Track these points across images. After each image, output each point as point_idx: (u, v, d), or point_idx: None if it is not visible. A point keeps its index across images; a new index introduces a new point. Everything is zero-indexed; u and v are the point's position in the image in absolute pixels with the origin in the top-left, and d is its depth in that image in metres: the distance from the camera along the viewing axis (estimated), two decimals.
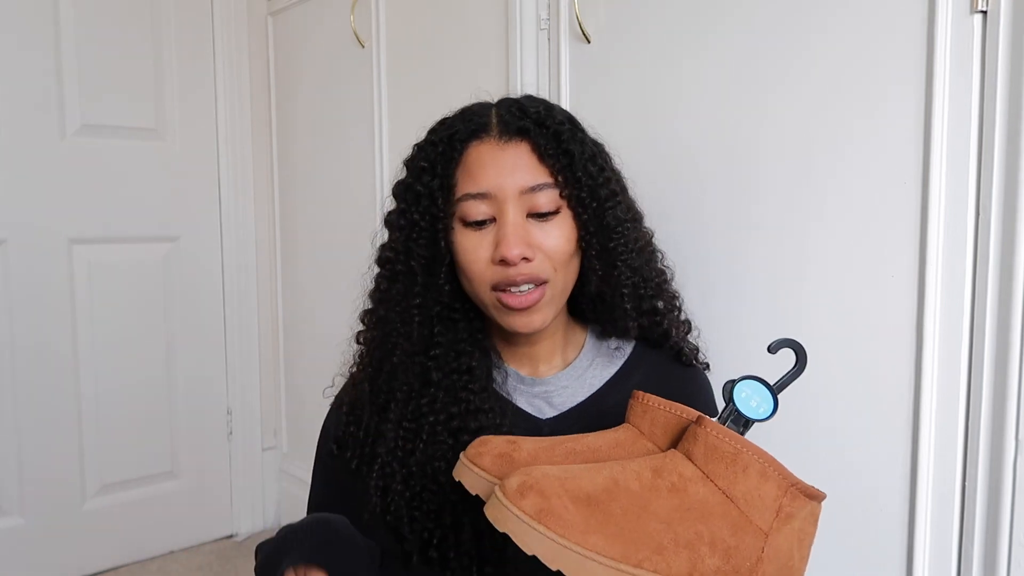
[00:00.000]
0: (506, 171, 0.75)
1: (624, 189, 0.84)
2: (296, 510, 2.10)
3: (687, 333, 0.91)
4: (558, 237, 0.76)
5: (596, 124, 0.85)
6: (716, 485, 0.56)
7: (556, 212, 0.76)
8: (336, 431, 0.86)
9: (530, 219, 0.75)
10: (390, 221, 0.82)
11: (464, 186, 0.76)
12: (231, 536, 2.17)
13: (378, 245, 0.84)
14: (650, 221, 0.89)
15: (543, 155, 0.76)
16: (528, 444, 0.66)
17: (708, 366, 0.92)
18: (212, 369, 2.12)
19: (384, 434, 0.81)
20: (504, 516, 0.53)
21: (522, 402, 0.83)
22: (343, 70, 1.83)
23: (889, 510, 0.92)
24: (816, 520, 0.60)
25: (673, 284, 0.89)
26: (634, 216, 0.84)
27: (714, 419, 0.60)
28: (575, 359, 0.85)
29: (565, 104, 1.24)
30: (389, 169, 1.69)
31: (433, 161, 0.78)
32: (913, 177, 0.87)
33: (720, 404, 0.73)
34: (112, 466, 1.96)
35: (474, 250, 0.76)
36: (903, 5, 0.87)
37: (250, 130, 2.12)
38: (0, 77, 1.74)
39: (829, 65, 0.94)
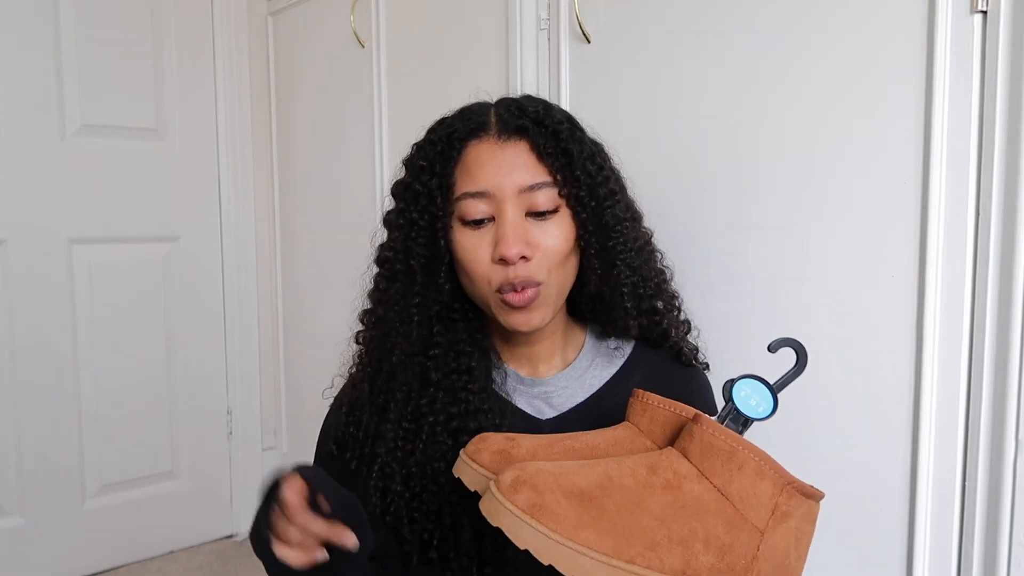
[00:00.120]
0: (505, 170, 0.75)
1: (623, 188, 0.83)
2: None
3: (687, 333, 0.90)
4: (557, 236, 0.76)
5: (596, 124, 0.85)
6: (711, 483, 0.56)
7: (555, 211, 0.76)
8: (336, 432, 0.86)
9: (529, 218, 0.75)
10: (389, 221, 0.82)
11: (463, 185, 0.76)
12: (231, 536, 2.17)
13: (377, 245, 0.84)
14: (650, 221, 0.88)
15: (542, 154, 0.75)
16: (527, 441, 0.66)
17: (708, 366, 0.92)
18: (212, 369, 2.12)
19: (383, 434, 0.80)
20: (498, 510, 0.53)
21: (522, 403, 0.83)
22: (343, 70, 1.83)
23: (889, 510, 0.92)
24: (814, 520, 0.59)
25: (673, 284, 0.89)
26: (633, 215, 0.84)
27: (713, 418, 0.60)
28: (575, 359, 0.85)
29: (565, 104, 1.24)
30: (389, 169, 1.69)
31: (432, 160, 0.78)
32: (913, 177, 0.87)
33: (720, 404, 0.73)
34: (112, 466, 1.96)
35: (473, 249, 0.76)
36: (903, 5, 0.87)
37: (250, 130, 2.12)
38: (0, 77, 1.74)
39: (829, 65, 0.94)
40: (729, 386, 0.61)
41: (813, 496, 0.58)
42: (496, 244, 0.74)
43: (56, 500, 1.89)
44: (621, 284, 0.80)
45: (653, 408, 0.66)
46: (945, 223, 0.85)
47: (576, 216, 0.77)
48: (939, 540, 0.88)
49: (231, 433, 2.15)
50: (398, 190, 0.81)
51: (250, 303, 2.17)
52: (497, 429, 0.77)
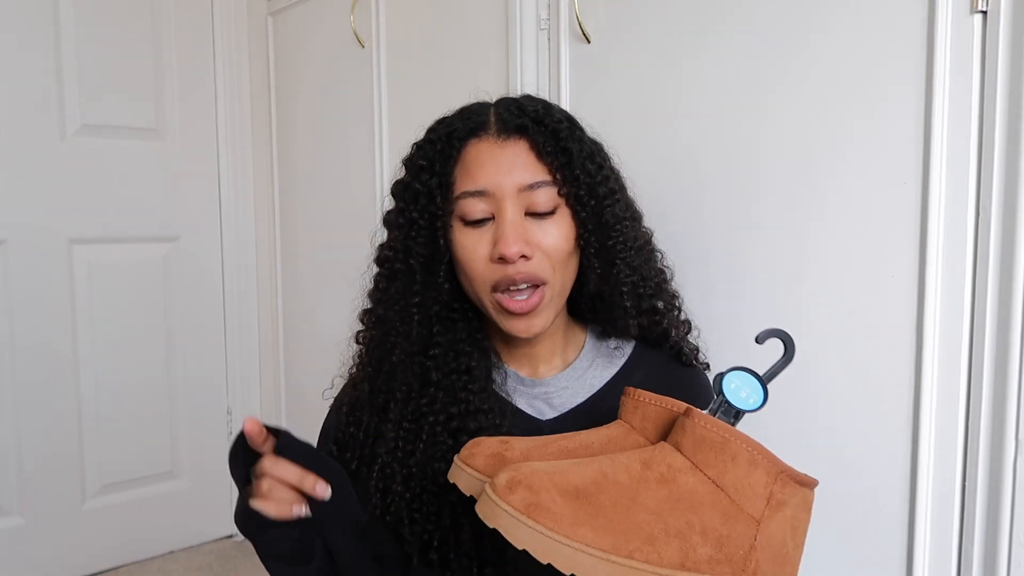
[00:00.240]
0: (504, 169, 0.75)
1: (623, 187, 0.83)
2: None
3: (687, 333, 0.90)
4: (556, 235, 0.76)
5: (596, 124, 0.85)
6: (705, 475, 0.56)
7: (554, 211, 0.76)
8: (336, 432, 0.85)
9: (528, 218, 0.75)
10: (389, 220, 0.82)
11: (462, 184, 0.76)
12: (231, 536, 2.17)
13: (377, 244, 0.84)
14: (650, 221, 0.88)
15: (541, 153, 0.75)
16: (520, 443, 0.66)
17: (708, 366, 0.92)
18: (212, 369, 2.12)
19: (384, 435, 0.80)
20: (494, 512, 0.53)
21: (522, 403, 0.83)
22: (343, 70, 1.83)
23: (889, 510, 0.92)
24: (809, 508, 0.59)
25: (673, 284, 0.89)
26: (633, 215, 0.84)
27: (704, 411, 0.60)
28: (575, 360, 0.85)
29: (565, 104, 1.24)
30: (389, 169, 1.69)
31: (431, 159, 0.78)
32: (913, 177, 0.87)
33: None
34: (112, 466, 1.96)
35: (473, 248, 0.76)
36: (903, 5, 0.87)
37: (250, 130, 2.12)
38: (0, 77, 1.74)
39: (829, 65, 0.94)
40: (719, 379, 0.61)
41: (807, 484, 0.58)
42: (496, 243, 0.74)
43: (56, 500, 1.89)
44: (621, 283, 0.80)
45: (645, 405, 0.66)
46: (945, 223, 0.85)
47: (576, 215, 0.77)
48: (939, 540, 0.88)
49: (231, 433, 2.15)
50: (398, 190, 0.81)
51: (250, 303, 2.17)
52: (497, 429, 0.77)
